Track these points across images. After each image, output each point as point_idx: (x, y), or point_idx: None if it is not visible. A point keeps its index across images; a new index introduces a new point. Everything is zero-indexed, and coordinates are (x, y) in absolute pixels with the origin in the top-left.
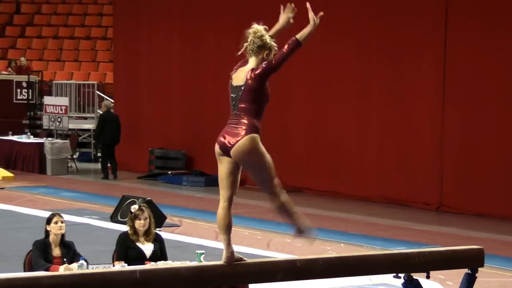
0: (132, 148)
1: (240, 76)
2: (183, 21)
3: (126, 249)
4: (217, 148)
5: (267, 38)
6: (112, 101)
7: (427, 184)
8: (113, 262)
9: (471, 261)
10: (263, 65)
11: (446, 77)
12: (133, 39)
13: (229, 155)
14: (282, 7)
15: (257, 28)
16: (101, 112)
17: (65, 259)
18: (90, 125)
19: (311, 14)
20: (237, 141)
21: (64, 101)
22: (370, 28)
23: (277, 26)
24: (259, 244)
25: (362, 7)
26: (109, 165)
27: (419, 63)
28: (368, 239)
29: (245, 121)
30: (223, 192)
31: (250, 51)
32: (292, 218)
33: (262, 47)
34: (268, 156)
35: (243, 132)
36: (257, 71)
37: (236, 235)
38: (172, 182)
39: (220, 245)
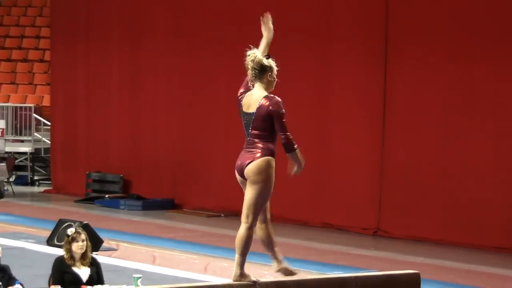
0: (69, 171)
1: (251, 103)
2: (121, 43)
3: (62, 273)
4: (237, 174)
5: (264, 61)
6: (49, 123)
7: (365, 208)
8: (49, 286)
9: (408, 286)
10: (275, 111)
11: (386, 102)
12: (71, 62)
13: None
14: (261, 19)
15: (253, 54)
16: None
17: (0, 283)
18: (27, 148)
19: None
20: (252, 161)
21: (0, 123)
22: (305, 53)
23: (264, 41)
24: (196, 268)
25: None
26: None
27: (356, 89)
28: (305, 263)
29: (260, 145)
30: (257, 214)
31: (254, 78)
32: (274, 251)
33: (263, 70)
34: (273, 183)
35: (258, 154)
36: (270, 108)
37: (173, 259)
38: (110, 205)
39: (157, 269)
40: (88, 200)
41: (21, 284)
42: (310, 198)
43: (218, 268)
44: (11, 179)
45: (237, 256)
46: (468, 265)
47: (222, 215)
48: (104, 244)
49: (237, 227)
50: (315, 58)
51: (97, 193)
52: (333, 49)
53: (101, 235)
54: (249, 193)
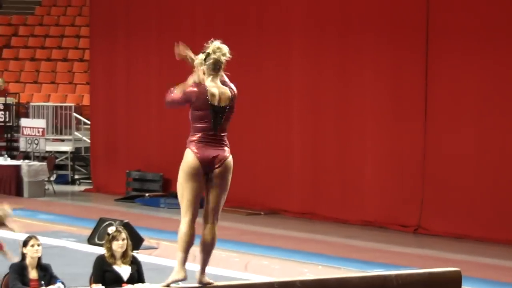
0: (110, 170)
1: (221, 97)
2: (160, 41)
3: (103, 272)
4: (198, 165)
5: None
6: (89, 122)
7: (406, 206)
8: (90, 284)
9: (449, 283)
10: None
11: (427, 97)
12: (110, 61)
13: (208, 172)
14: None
15: (224, 46)
16: None
17: (42, 282)
18: (67, 147)
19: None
20: (226, 158)
21: (41, 123)
22: (354, 49)
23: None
24: (237, 267)
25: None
26: None
27: (397, 83)
28: (346, 261)
29: (227, 141)
30: (192, 209)
31: (218, 70)
32: (205, 260)
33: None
34: None
35: (228, 152)
36: (235, 93)
37: (213, 258)
38: (150, 204)
39: (198, 267)
40: (129, 198)
41: (63, 283)
42: (351, 196)
43: (258, 266)
44: (51, 178)
45: (200, 256)
46: (510, 263)
47: (262, 213)
48: (145, 243)
49: (276, 225)
50: (354, 51)
51: (137, 191)
52: (373, 43)
53: (142, 233)
54: (223, 191)
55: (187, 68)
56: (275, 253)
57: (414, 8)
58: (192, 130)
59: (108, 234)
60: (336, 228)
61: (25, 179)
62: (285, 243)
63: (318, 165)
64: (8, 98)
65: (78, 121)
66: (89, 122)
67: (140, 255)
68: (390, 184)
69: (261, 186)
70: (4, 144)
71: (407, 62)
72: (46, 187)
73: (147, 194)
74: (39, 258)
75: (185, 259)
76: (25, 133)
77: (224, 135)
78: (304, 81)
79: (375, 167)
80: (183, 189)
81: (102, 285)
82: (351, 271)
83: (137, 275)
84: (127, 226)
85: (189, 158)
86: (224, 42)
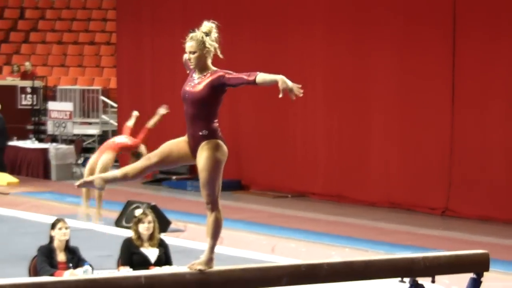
0: None
1: None
2: (185, 24)
3: (130, 254)
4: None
5: None
6: (116, 105)
7: (433, 188)
8: (118, 267)
9: (477, 266)
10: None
11: (455, 80)
12: (137, 44)
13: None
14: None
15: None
16: None
17: (70, 265)
18: (94, 131)
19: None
20: None
21: (68, 106)
22: (377, 34)
23: None
24: (264, 249)
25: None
26: None
27: (426, 65)
28: (373, 244)
29: None
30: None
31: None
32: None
33: None
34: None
35: None
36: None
37: (241, 240)
38: (177, 187)
39: (225, 250)
40: (156, 181)
41: (90, 265)
42: (378, 178)
43: (285, 248)
44: (79, 161)
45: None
46: None
47: (289, 195)
48: (172, 225)
49: (303, 208)
50: (379, 38)
51: (164, 174)
52: (399, 30)
53: (169, 216)
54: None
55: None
56: (302, 236)
57: None
58: (211, 117)
59: (135, 217)
60: (363, 210)
61: (53, 162)
62: (312, 225)
63: (345, 148)
64: (35, 82)
65: (105, 104)
66: (116, 105)
67: (167, 237)
68: (417, 166)
69: (288, 168)
70: (31, 127)
71: (435, 46)
72: (74, 170)
73: (174, 177)
74: (67, 241)
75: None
76: (52, 116)
77: None
78: (330, 66)
79: (403, 150)
80: (219, 178)
81: (130, 267)
82: (378, 253)
83: (165, 258)
84: (154, 209)
85: (226, 149)
86: (251, 28)
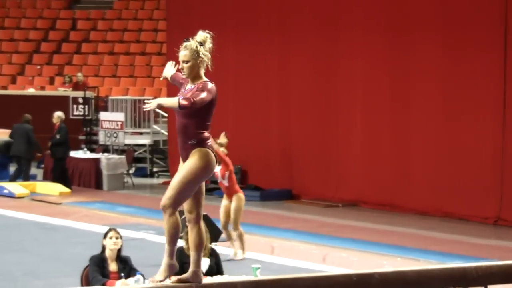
0: None
1: None
2: (236, 34)
3: (182, 263)
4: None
5: None
6: (166, 115)
7: (485, 197)
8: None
9: None
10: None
11: (506, 87)
12: None
13: None
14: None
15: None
16: (58, 123)
17: (121, 274)
18: (145, 140)
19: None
20: None
21: (120, 116)
22: (425, 40)
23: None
24: (315, 259)
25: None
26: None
27: (474, 69)
28: (425, 253)
29: None
30: None
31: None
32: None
33: None
34: None
35: None
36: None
37: (292, 250)
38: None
39: (276, 259)
40: (207, 191)
41: (142, 275)
42: (430, 188)
43: (336, 258)
44: (130, 171)
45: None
46: None
47: (340, 205)
48: (223, 235)
49: (355, 217)
50: (434, 46)
51: (215, 184)
52: (451, 37)
53: (220, 226)
54: None
55: (261, 60)
56: (353, 245)
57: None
58: (201, 127)
59: (186, 226)
60: (414, 220)
61: (104, 172)
62: (364, 235)
63: (397, 157)
64: (87, 92)
65: (156, 114)
66: (167, 115)
67: (218, 247)
68: (469, 175)
69: (339, 178)
70: (83, 137)
71: (485, 53)
72: (125, 180)
73: None
74: (119, 251)
75: None
76: (104, 126)
77: None
78: (370, 75)
79: (455, 160)
80: (191, 187)
81: None
82: (430, 263)
83: (216, 267)
84: (206, 219)
85: (214, 163)
86: (299, 37)
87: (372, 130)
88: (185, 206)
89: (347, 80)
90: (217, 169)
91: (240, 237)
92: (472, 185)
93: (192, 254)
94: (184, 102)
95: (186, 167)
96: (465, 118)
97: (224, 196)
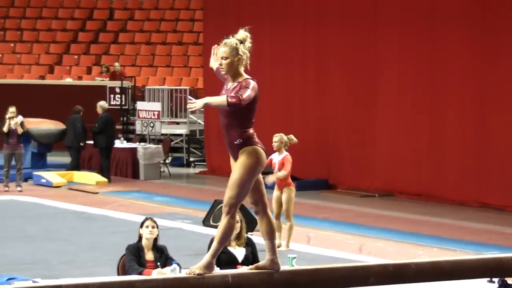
0: (224, 152)
1: None
2: (272, 25)
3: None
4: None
5: None
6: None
7: None
8: None
9: None
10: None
11: None
12: None
13: None
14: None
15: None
16: (101, 113)
17: (158, 263)
18: (182, 130)
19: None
20: None
21: (156, 106)
22: (464, 38)
23: None
24: (351, 249)
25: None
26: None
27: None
28: (462, 244)
29: None
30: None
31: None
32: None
33: None
34: None
35: None
36: None
37: (328, 240)
38: (266, 187)
39: (312, 249)
40: None
41: (178, 264)
42: (467, 178)
43: (373, 248)
44: (167, 161)
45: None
46: None
47: (376, 195)
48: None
49: (391, 207)
50: (471, 40)
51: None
52: (486, 31)
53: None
54: None
55: (298, 51)
56: (390, 235)
57: None
58: (244, 126)
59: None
60: (451, 210)
61: (141, 162)
62: (400, 225)
63: (434, 147)
64: (124, 82)
65: None
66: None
67: (254, 237)
68: (506, 166)
69: (376, 167)
70: (120, 127)
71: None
72: (162, 169)
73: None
74: (155, 240)
75: None
76: (141, 116)
77: None
78: (428, 70)
79: (492, 150)
80: (247, 185)
81: (217, 266)
82: (466, 253)
83: (252, 257)
84: (242, 209)
85: (264, 157)
86: (336, 27)
87: (409, 120)
88: (249, 200)
89: (384, 70)
90: (276, 160)
91: (290, 228)
92: (509, 175)
93: (266, 243)
94: (233, 100)
95: (238, 167)
96: (503, 108)
97: (276, 187)
